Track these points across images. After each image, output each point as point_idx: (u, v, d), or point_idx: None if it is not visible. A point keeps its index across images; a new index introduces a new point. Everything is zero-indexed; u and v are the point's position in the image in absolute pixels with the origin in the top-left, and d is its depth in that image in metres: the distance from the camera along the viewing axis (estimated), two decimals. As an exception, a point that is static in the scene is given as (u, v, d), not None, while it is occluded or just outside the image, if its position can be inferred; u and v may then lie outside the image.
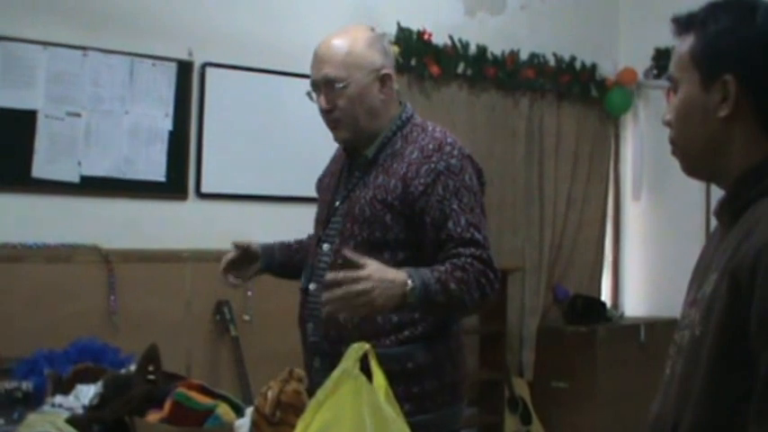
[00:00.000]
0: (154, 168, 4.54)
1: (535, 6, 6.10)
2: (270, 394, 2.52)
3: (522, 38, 5.94)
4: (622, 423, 5.44)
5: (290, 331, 3.49)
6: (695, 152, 1.68)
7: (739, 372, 1.48)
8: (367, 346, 1.81)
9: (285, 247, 3.20)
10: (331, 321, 2.69)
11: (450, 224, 2.60)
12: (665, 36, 1.70)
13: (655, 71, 6.22)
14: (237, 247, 3.09)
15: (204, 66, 4.67)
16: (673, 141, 1.71)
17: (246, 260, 3.11)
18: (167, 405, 2.61)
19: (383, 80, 2.75)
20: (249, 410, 2.61)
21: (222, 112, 4.72)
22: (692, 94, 1.64)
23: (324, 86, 2.72)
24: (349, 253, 2.46)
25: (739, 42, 1.59)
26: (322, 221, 2.88)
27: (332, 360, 2.41)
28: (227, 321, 4.60)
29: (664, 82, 5.64)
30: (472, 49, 5.65)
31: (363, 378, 1.84)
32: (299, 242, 3.20)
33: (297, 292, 3.26)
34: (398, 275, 2.44)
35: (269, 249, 3.16)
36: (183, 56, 4.62)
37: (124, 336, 4.09)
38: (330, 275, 2.40)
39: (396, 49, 5.16)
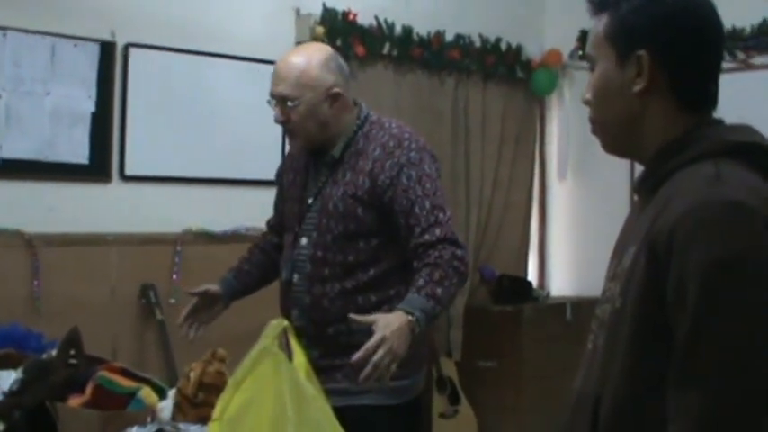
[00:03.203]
0: (76, 151, 4.46)
1: (461, -13, 6.11)
2: (192, 375, 2.52)
3: (448, 19, 5.94)
4: (549, 400, 5.49)
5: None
6: (614, 129, 1.70)
7: (658, 342, 1.51)
8: (285, 322, 1.81)
9: (240, 275, 3.40)
10: (316, 306, 3.00)
11: (417, 209, 2.91)
12: (590, 18, 1.72)
13: (580, 52, 6.26)
14: (195, 294, 3.30)
15: (127, 46, 4.59)
16: (592, 120, 1.74)
17: (207, 304, 3.32)
18: (89, 389, 2.59)
19: (334, 97, 2.99)
20: (172, 392, 2.60)
21: (146, 93, 4.65)
22: (608, 72, 1.67)
23: (279, 101, 2.97)
24: (355, 318, 2.73)
25: (651, 18, 1.63)
26: (295, 217, 3.12)
27: (317, 342, 2.89)
28: (153, 305, 4.55)
29: (588, 63, 5.68)
30: (398, 29, 5.63)
31: (283, 355, 1.84)
32: (248, 260, 3.43)
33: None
34: (400, 318, 2.71)
35: (227, 284, 3.36)
36: (106, 36, 4.54)
37: (48, 321, 4.02)
38: (355, 357, 2.60)
39: (320, 29, 5.14)
